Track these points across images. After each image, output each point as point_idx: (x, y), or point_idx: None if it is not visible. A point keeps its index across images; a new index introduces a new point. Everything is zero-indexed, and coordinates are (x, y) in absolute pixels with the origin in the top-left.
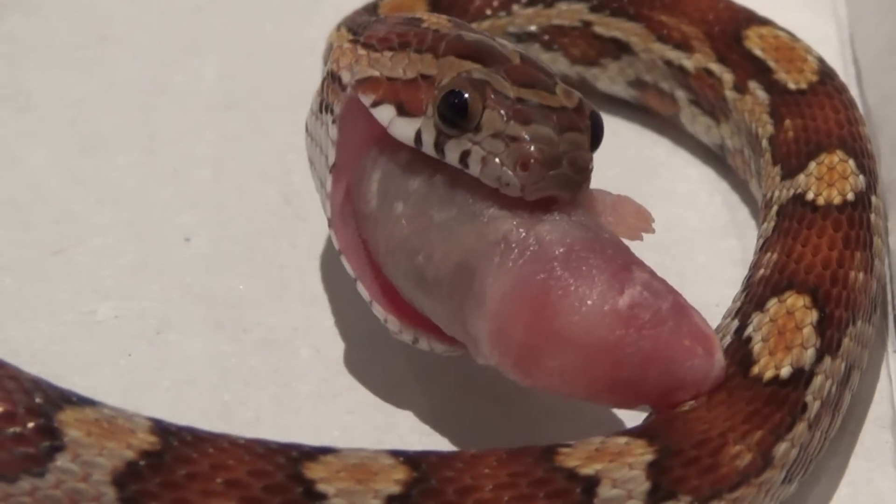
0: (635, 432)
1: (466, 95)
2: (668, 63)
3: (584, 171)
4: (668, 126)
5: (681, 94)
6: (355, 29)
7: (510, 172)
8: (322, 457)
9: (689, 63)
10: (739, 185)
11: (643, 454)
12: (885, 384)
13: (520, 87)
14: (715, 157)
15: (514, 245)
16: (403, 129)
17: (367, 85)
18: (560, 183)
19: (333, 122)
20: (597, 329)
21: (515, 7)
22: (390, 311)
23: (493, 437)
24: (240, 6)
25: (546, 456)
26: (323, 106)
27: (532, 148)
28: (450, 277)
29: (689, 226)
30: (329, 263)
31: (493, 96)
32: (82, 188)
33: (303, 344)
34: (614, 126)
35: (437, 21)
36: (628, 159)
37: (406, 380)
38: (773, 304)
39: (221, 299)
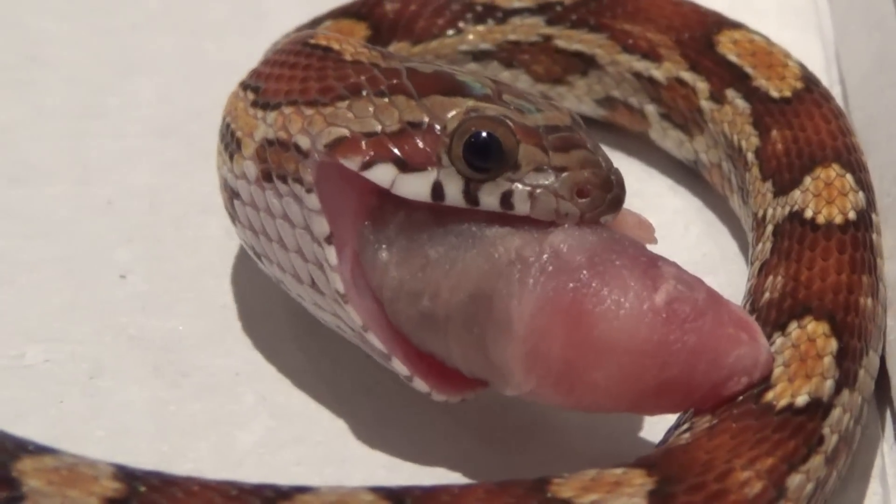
0: (631, 464)
1: (492, 135)
2: (637, 75)
3: (625, 187)
4: (637, 144)
5: (650, 109)
6: (248, 83)
7: (568, 202)
8: (298, 496)
9: (658, 73)
10: (717, 203)
11: (643, 483)
12: (875, 432)
13: (527, 113)
14: (688, 173)
15: (531, 260)
16: (413, 187)
17: (344, 147)
18: (614, 204)
19: (308, 191)
20: (639, 330)
21: (462, 24)
22: (433, 382)
23: None
24: (179, 24)
25: (539, 487)
26: (277, 177)
27: (587, 174)
28: (464, 309)
29: None
30: (275, 303)
31: (520, 129)
32: (9, 221)
33: (247, 390)
34: None
35: (354, 49)
36: None
37: (359, 428)
38: (793, 328)
39: (159, 342)
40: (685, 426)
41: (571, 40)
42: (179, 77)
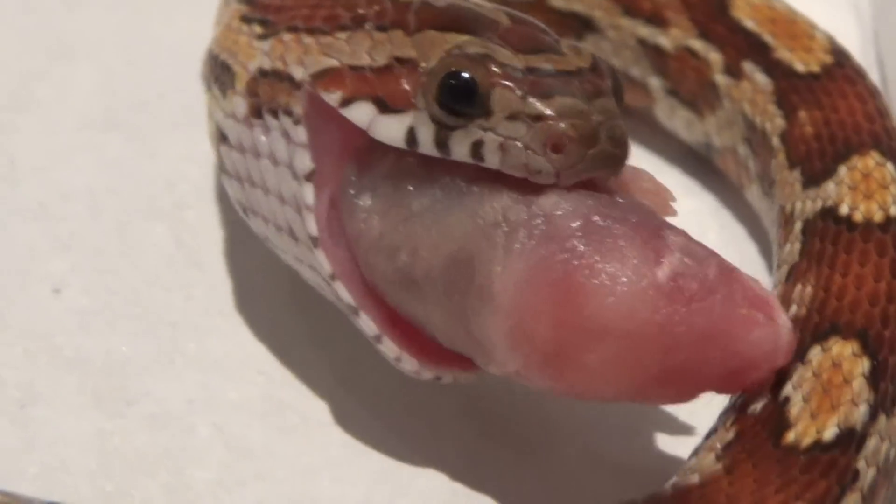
0: None
1: (468, 75)
2: (642, 42)
3: (625, 143)
4: (642, 126)
5: (655, 83)
6: None
7: (540, 158)
8: None
9: (665, 41)
10: (732, 198)
11: None
12: None
13: (525, 53)
14: (699, 162)
15: (518, 224)
16: (390, 130)
17: (328, 79)
18: (601, 162)
19: (296, 123)
20: (638, 310)
21: None
22: (404, 346)
23: None
24: (120, 1)
25: None
26: (267, 111)
27: (563, 125)
28: (444, 273)
29: None
30: (232, 321)
31: (498, 71)
32: None
33: (200, 420)
34: None
35: None
36: None
37: (329, 464)
38: (815, 353)
39: (99, 365)
40: (692, 461)
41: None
42: (121, 62)
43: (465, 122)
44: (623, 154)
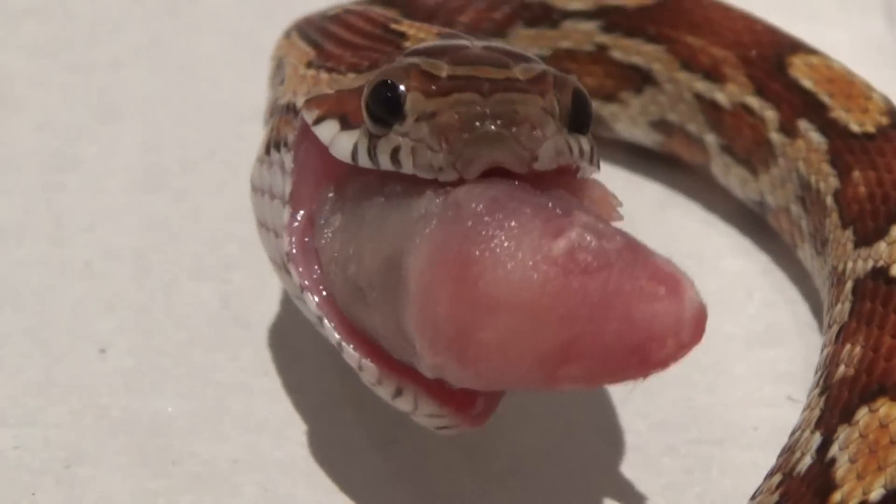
0: None
1: (389, 82)
2: (698, 97)
3: (524, 123)
4: (700, 183)
5: (711, 139)
6: (313, 37)
7: (439, 154)
8: None
9: (721, 96)
10: (785, 258)
11: None
12: None
13: (457, 65)
14: (754, 220)
15: (433, 215)
16: (343, 146)
17: (314, 101)
18: (487, 143)
19: (289, 151)
20: (530, 281)
21: (518, 27)
22: (365, 353)
23: None
24: (166, 61)
25: None
26: (273, 145)
27: (447, 116)
28: (381, 277)
29: (721, 331)
30: (278, 381)
31: (418, 77)
32: None
33: (246, 480)
34: (632, 187)
35: (424, 37)
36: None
37: None
38: (863, 414)
39: (145, 425)
40: None
41: (628, 51)
42: (167, 121)
43: (386, 130)
44: (524, 137)
